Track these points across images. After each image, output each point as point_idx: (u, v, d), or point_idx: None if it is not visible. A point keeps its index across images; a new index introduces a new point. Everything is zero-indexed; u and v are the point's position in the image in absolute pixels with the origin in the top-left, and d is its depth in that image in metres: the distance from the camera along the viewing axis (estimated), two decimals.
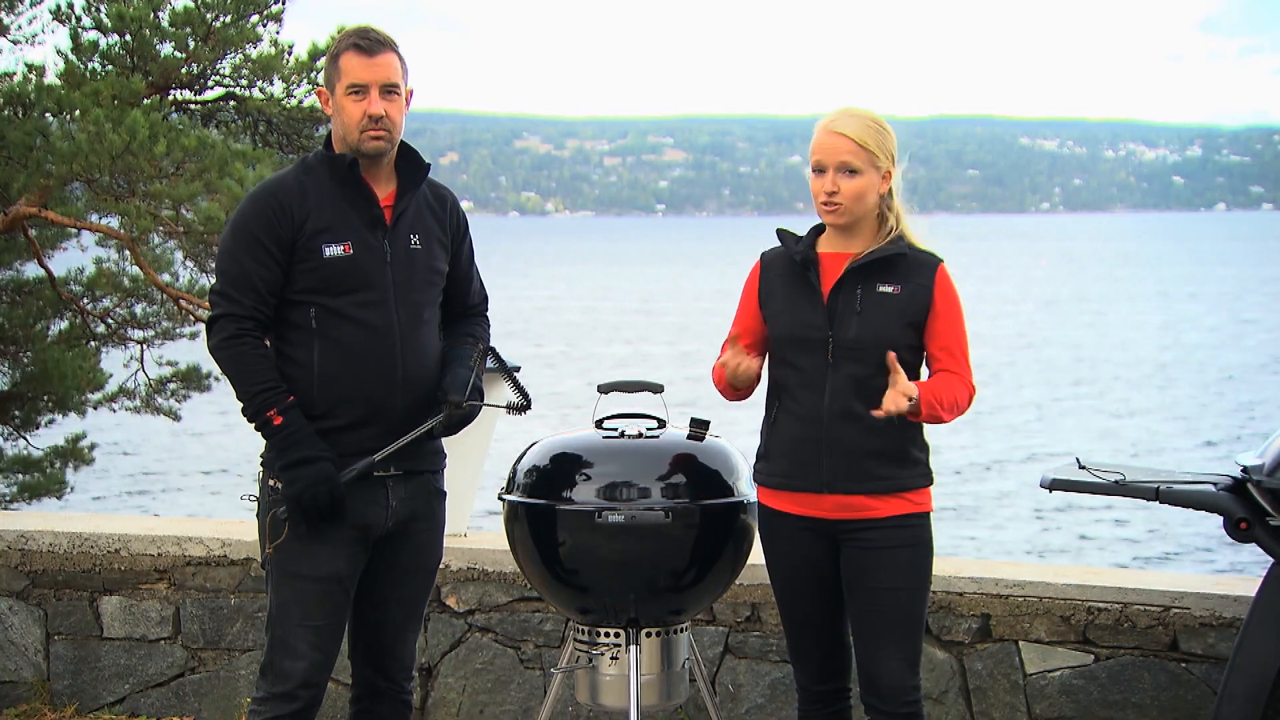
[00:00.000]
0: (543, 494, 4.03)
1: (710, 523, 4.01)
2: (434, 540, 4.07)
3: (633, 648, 4.06)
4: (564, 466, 4.06)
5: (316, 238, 3.83)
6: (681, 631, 4.17)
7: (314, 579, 3.85)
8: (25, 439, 12.69)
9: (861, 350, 3.85)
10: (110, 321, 12.32)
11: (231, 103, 11.05)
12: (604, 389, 4.20)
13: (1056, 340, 47.39)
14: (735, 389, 4.02)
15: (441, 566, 4.23)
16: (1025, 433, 29.12)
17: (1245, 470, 4.14)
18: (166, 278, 11.49)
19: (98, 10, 10.62)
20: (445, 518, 4.12)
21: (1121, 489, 4.31)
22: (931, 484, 3.95)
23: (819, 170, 3.91)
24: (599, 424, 4.15)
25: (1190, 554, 18.40)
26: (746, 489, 4.07)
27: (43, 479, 12.56)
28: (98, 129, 9.27)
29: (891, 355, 3.74)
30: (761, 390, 4.10)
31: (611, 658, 4.09)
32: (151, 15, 10.43)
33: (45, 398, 12.38)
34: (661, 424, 4.15)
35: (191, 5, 10.49)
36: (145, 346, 12.38)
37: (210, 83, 10.97)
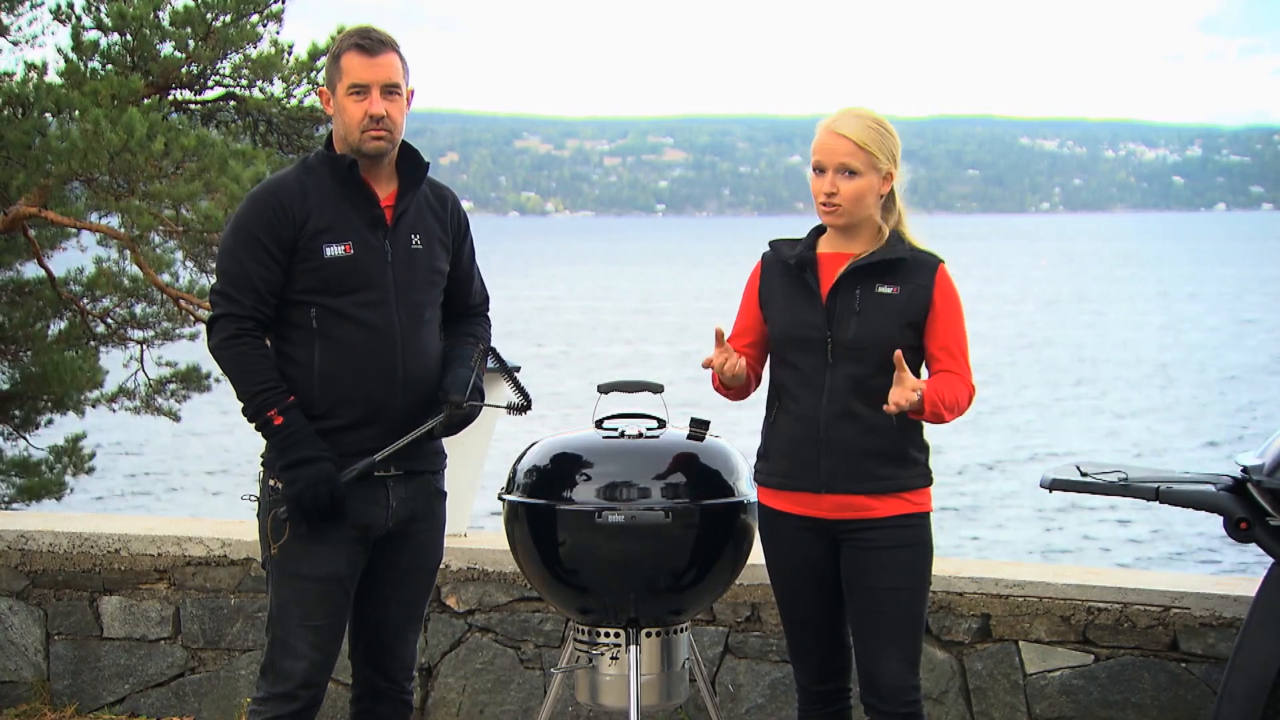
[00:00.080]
0: (543, 494, 4.03)
1: (710, 523, 4.01)
2: (434, 540, 4.07)
3: (633, 648, 4.06)
4: (564, 466, 4.06)
5: (317, 238, 3.83)
6: (681, 631, 4.17)
7: (314, 579, 3.86)
8: (25, 439, 12.70)
9: (860, 350, 3.85)
10: (110, 321, 12.33)
11: (231, 103, 11.06)
12: (604, 389, 4.20)
13: (1057, 340, 47.40)
14: (728, 388, 4.02)
15: (441, 566, 4.23)
16: (1027, 432, 29.13)
17: (1245, 470, 4.14)
18: (166, 278, 11.49)
19: (98, 10, 10.63)
20: (446, 518, 4.12)
21: (1121, 489, 4.31)
22: (931, 484, 3.95)
23: (819, 171, 3.91)
24: (599, 424, 4.15)
25: (1193, 553, 18.39)
26: (746, 489, 4.07)
27: (40, 481, 12.56)
28: (95, 127, 9.27)
29: (898, 353, 3.74)
30: (763, 390, 4.10)
31: (611, 658, 4.09)
32: (152, 15, 10.44)
33: (45, 398, 12.38)
34: (661, 424, 4.15)
35: (192, 4, 10.49)
36: (145, 347, 12.39)
37: (210, 83, 10.98)
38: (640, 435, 4.09)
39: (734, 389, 4.04)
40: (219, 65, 10.82)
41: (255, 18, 10.71)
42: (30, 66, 10.75)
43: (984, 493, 23.01)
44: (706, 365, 3.93)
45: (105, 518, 6.10)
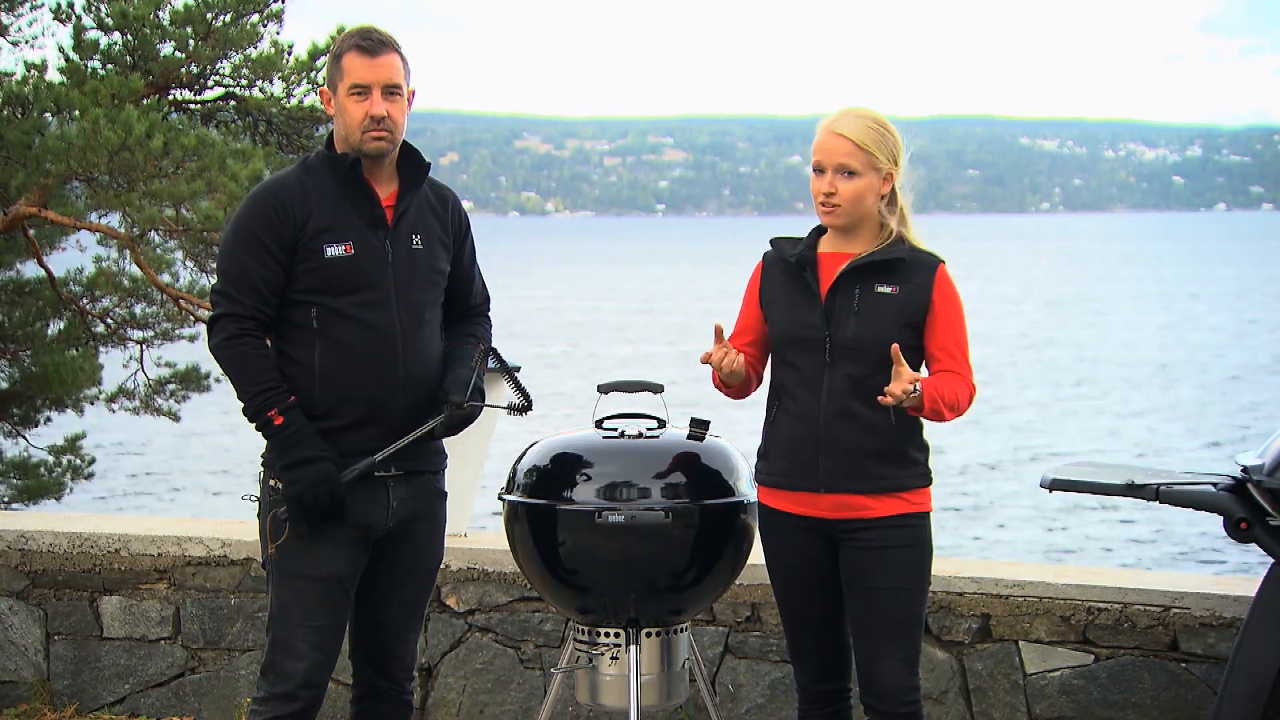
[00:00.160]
0: (543, 494, 4.03)
1: (710, 523, 4.01)
2: (435, 540, 4.07)
3: (633, 648, 4.06)
4: (564, 466, 4.06)
5: (318, 238, 3.83)
6: (681, 631, 4.17)
7: (315, 579, 3.85)
8: (25, 439, 12.70)
9: (859, 350, 3.85)
10: (110, 322, 12.33)
11: (231, 103, 11.06)
12: (604, 389, 4.20)
13: (1059, 340, 47.40)
14: (728, 385, 4.03)
15: (441, 566, 4.22)
16: (1028, 432, 29.12)
17: (1245, 470, 4.14)
18: (166, 278, 11.50)
19: (98, 9, 10.63)
20: (446, 518, 4.12)
21: (1121, 489, 4.31)
22: (930, 484, 3.95)
23: (818, 171, 3.91)
24: (599, 424, 4.15)
25: (1197, 553, 18.38)
26: (746, 489, 4.07)
27: (40, 483, 12.55)
28: (94, 126, 9.27)
29: (895, 347, 3.74)
30: (764, 390, 4.10)
31: (611, 658, 4.09)
32: (152, 14, 10.44)
33: (44, 398, 12.38)
34: (661, 424, 4.15)
35: (192, 4, 10.50)
36: (145, 347, 12.39)
37: (210, 83, 10.98)
38: (640, 435, 4.09)
39: (734, 387, 4.04)
40: (219, 65, 10.82)
41: (255, 18, 10.72)
42: (30, 66, 10.75)
43: (985, 493, 23.01)
44: (705, 360, 3.93)
45: (105, 518, 6.10)
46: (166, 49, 10.61)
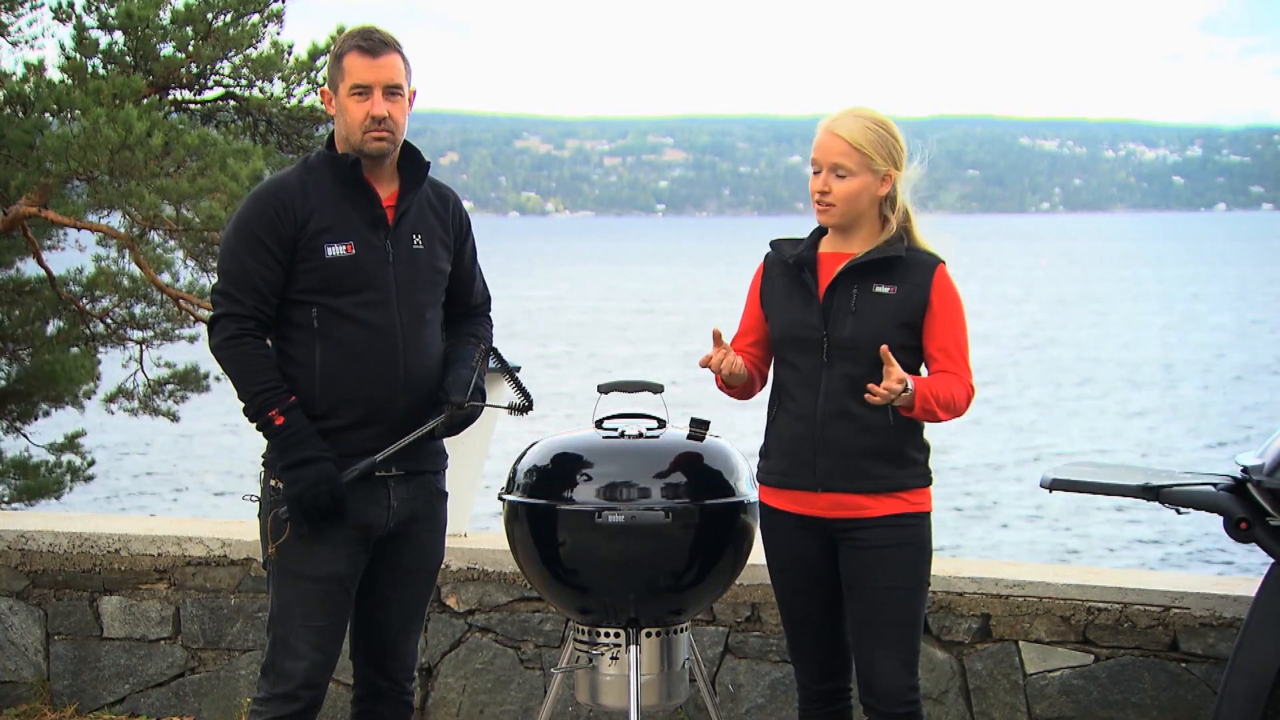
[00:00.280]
0: (543, 494, 4.03)
1: (710, 523, 4.01)
2: (435, 541, 4.07)
3: (633, 648, 4.06)
4: (564, 466, 4.07)
5: (318, 237, 3.83)
6: (681, 631, 4.17)
7: (315, 579, 3.86)
8: (25, 435, 12.70)
9: (856, 350, 3.84)
10: (109, 322, 12.33)
11: (231, 103, 11.06)
12: (604, 389, 4.20)
13: (1061, 340, 47.40)
14: (730, 387, 4.04)
15: (442, 566, 4.22)
16: (1031, 432, 29.12)
17: (1245, 470, 4.14)
18: (166, 278, 11.50)
19: (99, 8, 10.63)
20: (447, 518, 4.12)
21: (1121, 489, 4.31)
22: (930, 484, 3.95)
23: (815, 169, 3.92)
24: (599, 424, 4.15)
25: (1203, 553, 18.36)
26: (746, 489, 4.07)
27: (39, 482, 12.55)
28: (94, 125, 9.27)
29: (884, 347, 3.74)
30: (766, 390, 4.11)
31: (611, 658, 4.09)
32: (154, 14, 10.44)
33: (43, 397, 12.38)
34: (661, 424, 4.15)
35: (193, 3, 10.50)
36: (144, 347, 12.39)
37: (210, 83, 10.98)
38: (640, 435, 4.09)
39: (737, 388, 4.05)
40: (219, 65, 10.82)
41: (255, 18, 10.72)
42: (30, 67, 10.75)
43: (988, 493, 23.01)
44: (704, 364, 3.94)
45: (105, 518, 6.10)
46: (167, 49, 10.61)
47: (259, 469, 3.96)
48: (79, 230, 11.26)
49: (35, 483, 12.55)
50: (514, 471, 4.13)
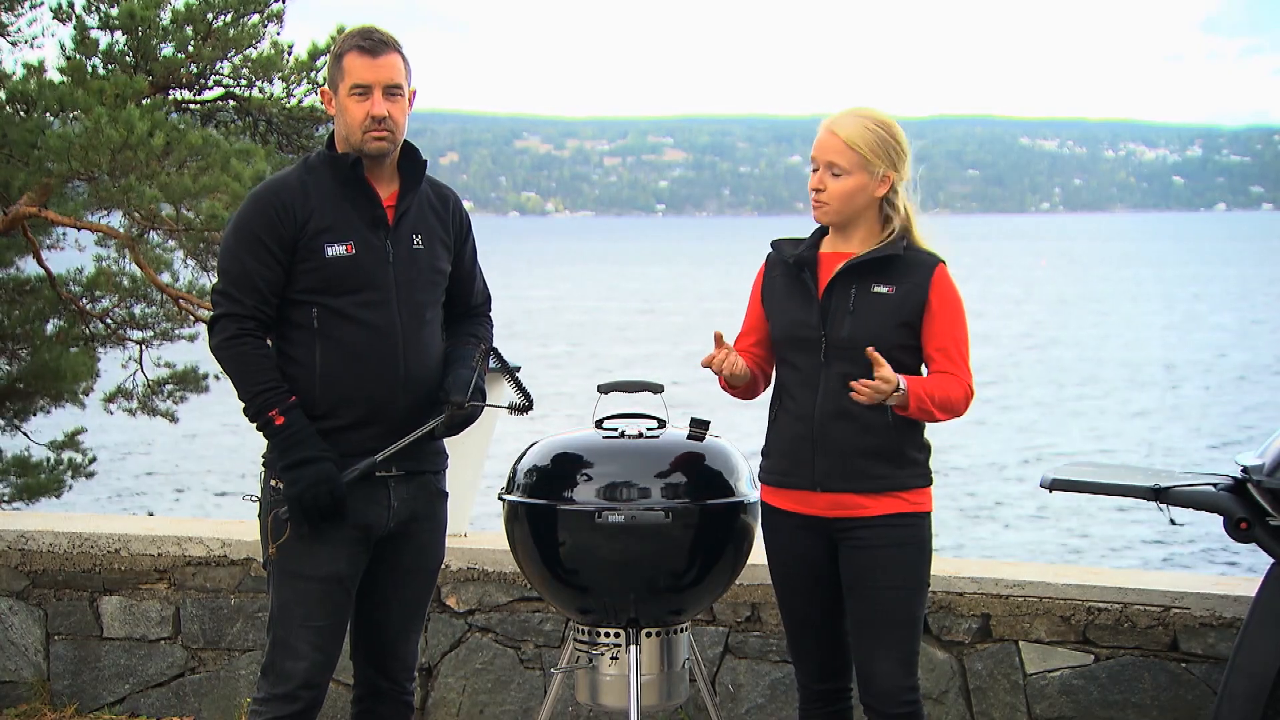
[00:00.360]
0: (543, 494, 4.03)
1: (710, 523, 4.01)
2: (435, 541, 4.07)
3: (633, 648, 4.06)
4: (564, 466, 4.07)
5: (319, 237, 3.83)
6: (681, 631, 4.17)
7: (315, 579, 3.85)
8: (24, 433, 12.69)
9: (854, 350, 3.84)
10: (109, 321, 12.33)
11: (231, 103, 11.06)
12: (604, 389, 4.20)
13: (1062, 340, 47.40)
14: (734, 387, 4.05)
15: (442, 566, 4.22)
16: (1032, 433, 29.12)
17: (1245, 470, 4.13)
18: (166, 277, 11.50)
19: (99, 8, 10.63)
20: (447, 518, 4.12)
21: (1121, 489, 4.31)
22: (930, 484, 3.94)
23: (813, 166, 3.93)
24: (599, 424, 4.15)
25: (1210, 554, 18.35)
26: (746, 489, 4.07)
27: (39, 481, 12.55)
28: (96, 125, 9.27)
29: (870, 349, 3.74)
30: (769, 389, 4.12)
31: (611, 658, 4.09)
32: (155, 15, 10.44)
33: (41, 395, 12.38)
34: (661, 424, 4.15)
35: (193, 3, 10.50)
36: (144, 347, 12.39)
37: (210, 83, 10.98)
38: (640, 435, 4.09)
39: (740, 388, 4.06)
40: (219, 65, 10.82)
41: (255, 18, 10.72)
42: (29, 68, 10.74)
43: (990, 493, 23.01)
44: (705, 365, 3.95)
45: (105, 518, 6.10)
46: (167, 49, 10.61)
47: (259, 469, 3.96)
48: (79, 230, 11.27)
49: (36, 481, 12.54)
50: (514, 471, 4.13)
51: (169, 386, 12.72)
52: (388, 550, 3.97)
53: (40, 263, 11.69)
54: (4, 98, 10.48)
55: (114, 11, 10.51)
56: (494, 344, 4.13)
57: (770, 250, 4.07)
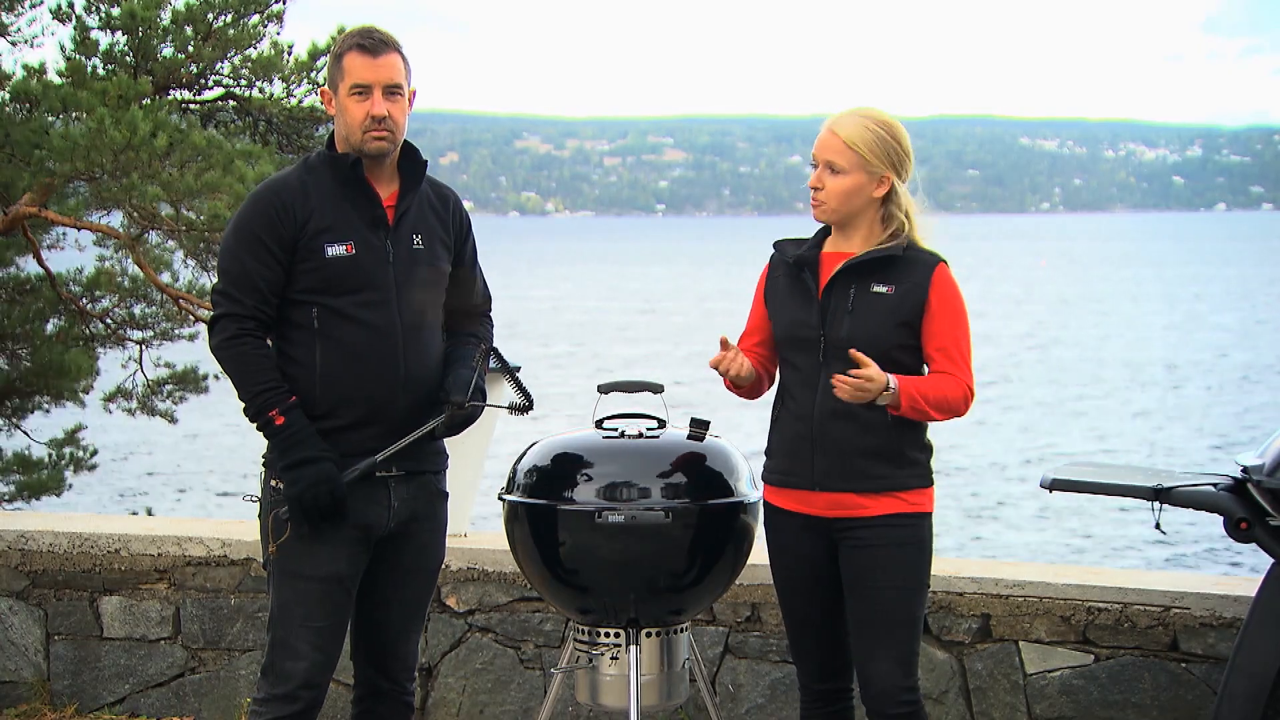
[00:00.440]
0: (543, 494, 4.03)
1: (710, 523, 4.01)
2: (436, 541, 4.07)
3: (633, 648, 4.06)
4: (564, 466, 4.07)
5: (319, 237, 3.83)
6: (681, 631, 4.17)
7: (315, 579, 3.85)
8: (24, 431, 12.69)
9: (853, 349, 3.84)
10: (109, 321, 12.33)
11: (231, 103, 11.06)
12: (604, 389, 4.20)
13: (1064, 340, 47.39)
14: (739, 386, 4.05)
15: (442, 566, 4.22)
16: (1034, 433, 29.12)
17: (1245, 470, 4.13)
18: (166, 277, 11.50)
19: (100, 9, 10.63)
20: (447, 518, 4.12)
21: (1121, 489, 4.31)
22: (931, 485, 3.94)
23: (813, 164, 3.94)
24: (599, 424, 4.15)
25: (1213, 554, 18.35)
26: (746, 489, 4.07)
27: (40, 479, 12.55)
28: (99, 126, 9.28)
29: (852, 349, 3.73)
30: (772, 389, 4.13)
31: (611, 658, 4.09)
32: (155, 15, 10.45)
33: (41, 394, 12.38)
34: (662, 424, 4.15)
35: (193, 3, 10.50)
36: (144, 347, 12.39)
37: (210, 83, 10.98)
38: (640, 435, 4.09)
39: (745, 388, 4.07)
40: (219, 65, 10.82)
41: (256, 18, 10.72)
42: (29, 70, 10.74)
43: (990, 493, 23.02)
44: (713, 366, 3.96)
45: (105, 518, 6.10)
46: (167, 50, 10.61)
47: (260, 469, 3.96)
48: (79, 230, 11.27)
49: (36, 479, 12.54)
50: (514, 471, 4.14)
51: (169, 387, 12.72)
52: (388, 550, 3.97)
53: (40, 262, 11.69)
54: (6, 98, 10.48)
55: (114, 12, 10.51)
56: (494, 344, 4.13)
57: (773, 251, 4.08)
